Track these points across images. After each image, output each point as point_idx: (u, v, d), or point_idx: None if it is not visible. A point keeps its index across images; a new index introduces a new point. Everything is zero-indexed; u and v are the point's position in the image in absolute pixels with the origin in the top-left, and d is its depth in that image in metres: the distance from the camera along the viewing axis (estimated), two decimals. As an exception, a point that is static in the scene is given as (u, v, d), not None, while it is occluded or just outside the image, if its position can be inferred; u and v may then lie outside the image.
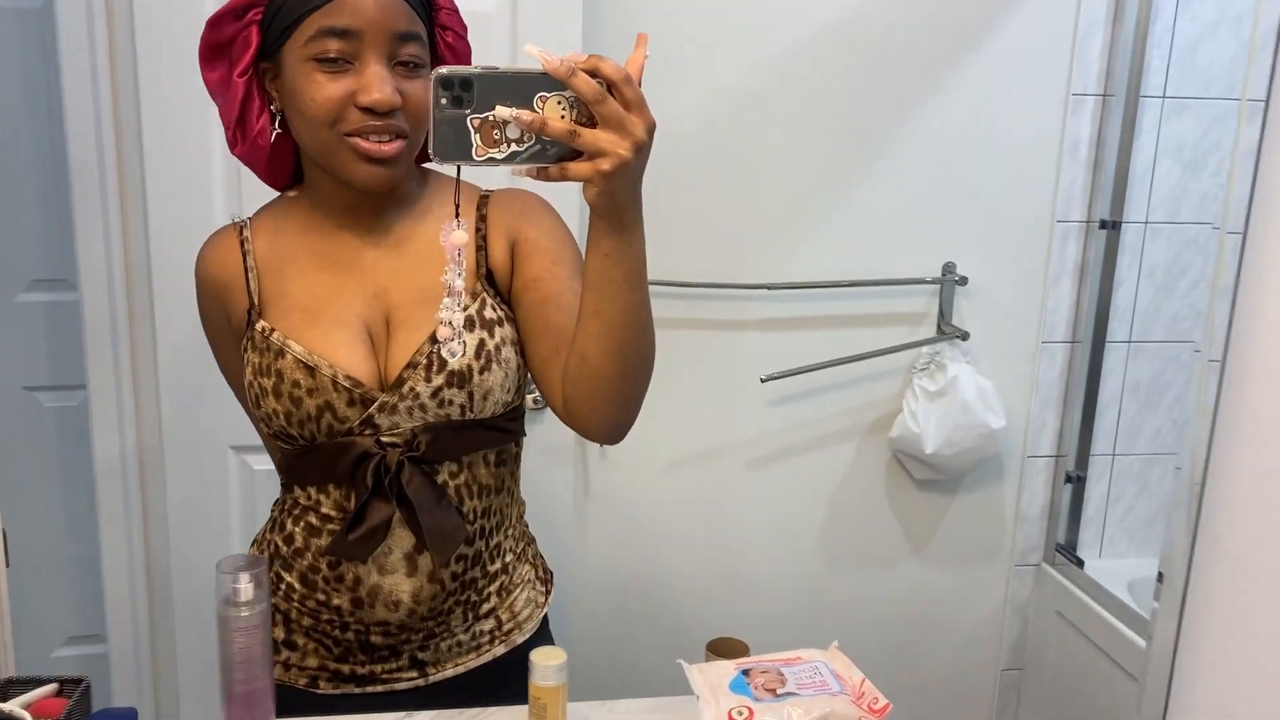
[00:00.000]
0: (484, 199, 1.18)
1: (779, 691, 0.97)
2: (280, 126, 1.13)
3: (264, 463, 1.92)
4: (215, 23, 1.10)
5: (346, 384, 1.10)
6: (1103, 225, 2.19)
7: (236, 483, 1.93)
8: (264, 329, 1.13)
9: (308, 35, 1.04)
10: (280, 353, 1.11)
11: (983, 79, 2.10)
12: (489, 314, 1.13)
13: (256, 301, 1.15)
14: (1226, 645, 0.81)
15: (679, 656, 1.07)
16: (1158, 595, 1.03)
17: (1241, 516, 0.79)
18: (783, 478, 2.21)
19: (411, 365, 1.10)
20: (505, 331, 1.14)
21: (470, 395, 1.12)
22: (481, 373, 1.11)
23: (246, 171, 1.83)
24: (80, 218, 1.88)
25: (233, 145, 1.15)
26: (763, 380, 2.08)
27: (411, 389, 1.10)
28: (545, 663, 1.08)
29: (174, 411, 1.91)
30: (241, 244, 1.17)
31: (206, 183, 1.84)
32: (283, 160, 1.18)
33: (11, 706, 1.03)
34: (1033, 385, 2.26)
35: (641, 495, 2.18)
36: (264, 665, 1.04)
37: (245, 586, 1.01)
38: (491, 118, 0.85)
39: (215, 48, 1.11)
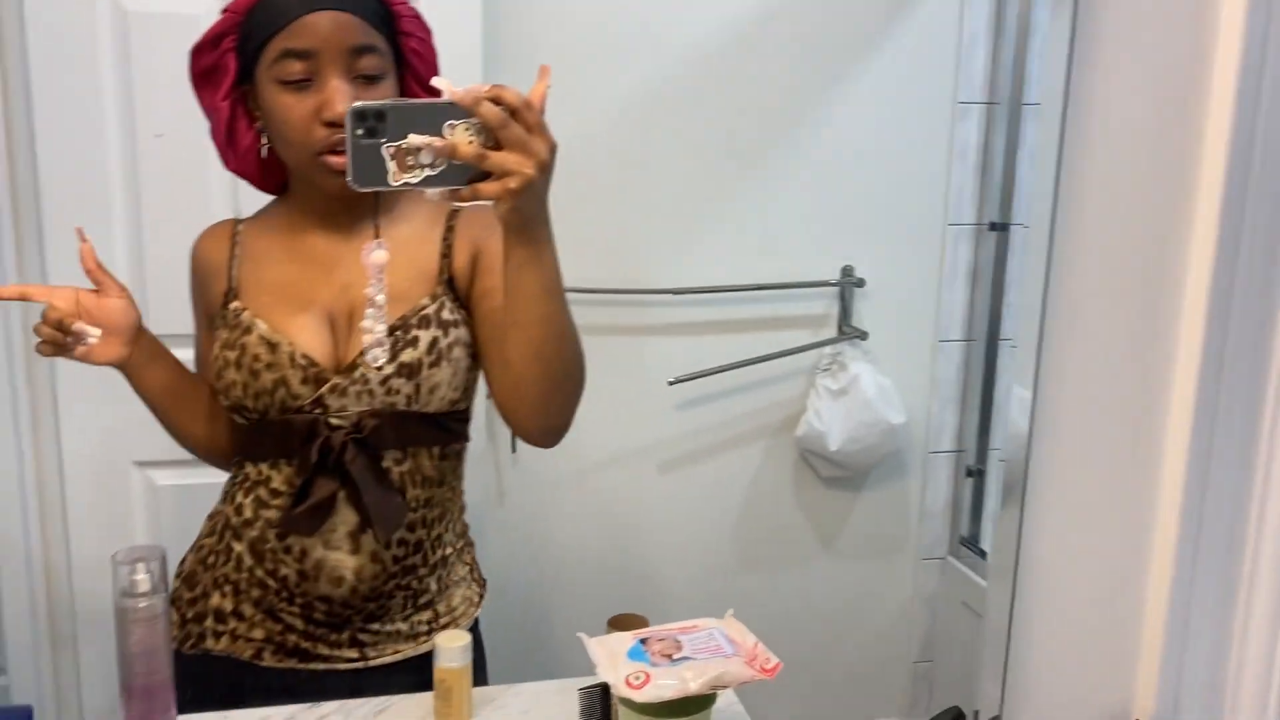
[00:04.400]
0: (454, 211, 1.26)
1: (675, 657, 1.00)
2: (267, 140, 1.21)
3: (168, 478, 1.90)
4: (196, 52, 1.18)
5: (303, 362, 1.18)
6: (993, 227, 2.28)
7: (140, 499, 1.90)
8: (236, 308, 1.22)
9: (271, 58, 1.13)
10: (248, 329, 1.19)
11: (873, 88, 2.18)
12: (446, 315, 1.20)
13: (234, 285, 1.24)
14: (1055, 616, 0.88)
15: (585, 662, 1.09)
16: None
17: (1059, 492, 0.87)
18: (693, 479, 2.25)
19: (365, 352, 1.17)
20: (459, 333, 1.21)
21: (417, 387, 1.18)
22: (431, 367, 1.18)
23: (148, 207, 1.85)
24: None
25: (225, 163, 1.24)
26: (670, 383, 2.12)
27: (363, 374, 1.17)
28: (449, 645, 1.10)
29: (73, 430, 1.87)
30: (233, 234, 1.27)
31: (106, 208, 1.83)
32: (274, 170, 1.25)
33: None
34: (932, 383, 2.33)
35: (554, 500, 2.19)
36: (164, 657, 1.03)
37: (142, 578, 1.01)
38: (405, 145, 0.93)
39: (201, 75, 1.19)
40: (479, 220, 1.24)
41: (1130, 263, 0.83)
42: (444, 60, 1.25)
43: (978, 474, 2.37)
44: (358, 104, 0.93)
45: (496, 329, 1.18)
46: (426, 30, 1.23)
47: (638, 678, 0.97)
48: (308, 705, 1.16)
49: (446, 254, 1.23)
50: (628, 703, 0.99)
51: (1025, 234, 2.25)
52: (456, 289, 1.23)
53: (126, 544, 1.88)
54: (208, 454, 1.35)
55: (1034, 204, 0.88)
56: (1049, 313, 0.85)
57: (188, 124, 1.80)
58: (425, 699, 1.15)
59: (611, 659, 1.00)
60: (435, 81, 0.94)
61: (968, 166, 2.26)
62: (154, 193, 1.85)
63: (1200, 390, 0.83)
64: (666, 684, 0.96)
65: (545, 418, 1.16)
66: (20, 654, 1.98)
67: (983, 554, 2.33)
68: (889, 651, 2.44)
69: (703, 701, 1.01)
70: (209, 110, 1.21)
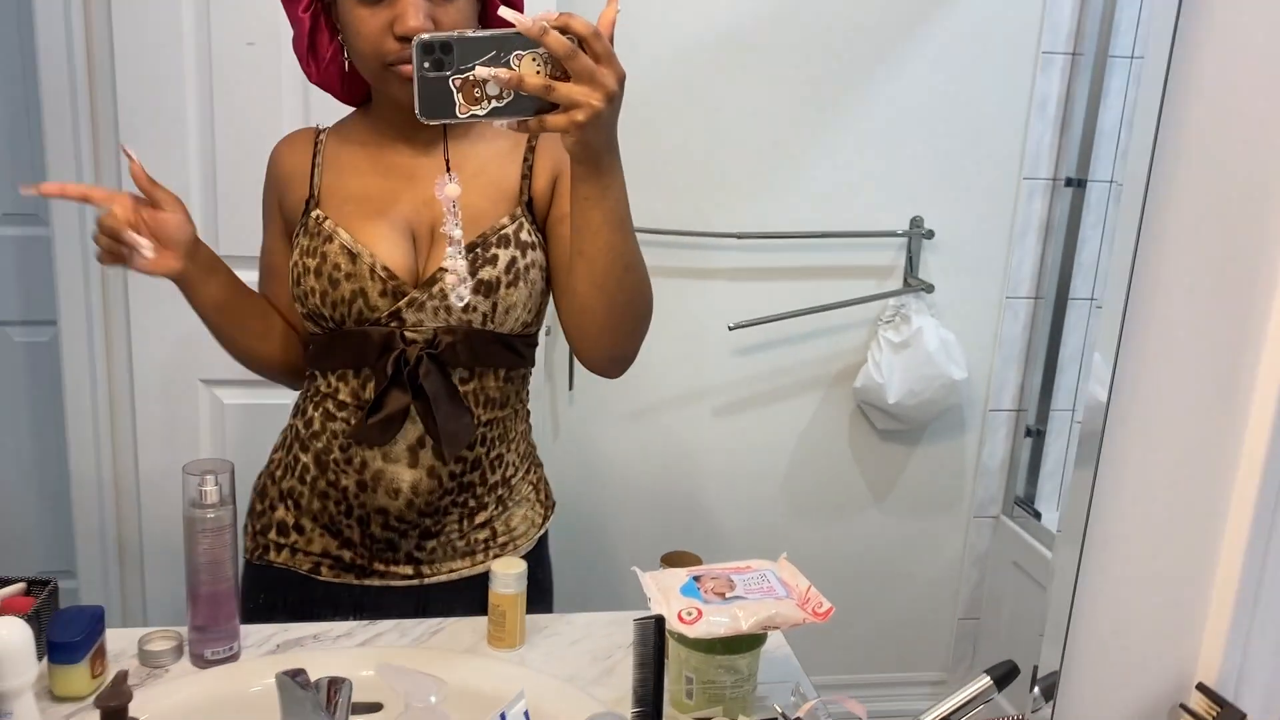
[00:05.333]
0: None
1: (727, 595, 1.00)
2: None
3: (233, 396, 1.94)
4: None
5: (383, 274, 1.18)
6: (1068, 183, 2.22)
7: (206, 416, 1.94)
8: (318, 216, 1.21)
9: None
10: (329, 238, 1.19)
11: (954, 35, 2.12)
12: (525, 237, 1.20)
13: (316, 193, 1.24)
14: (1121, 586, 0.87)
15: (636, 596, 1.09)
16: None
17: (1135, 465, 0.85)
18: (748, 426, 2.24)
19: (449, 291, 1.16)
20: (536, 256, 1.21)
21: (494, 306, 1.18)
22: (509, 287, 1.19)
23: (220, 109, 1.87)
24: (52, 154, 1.88)
25: (308, 74, 1.24)
26: (731, 328, 2.11)
27: (441, 290, 1.17)
28: (504, 571, 1.11)
29: (144, 347, 1.92)
30: (316, 142, 1.27)
31: (180, 122, 1.85)
32: (356, 83, 1.25)
33: (-21, 605, 1.05)
34: (996, 340, 2.30)
35: (608, 438, 2.20)
36: (228, 567, 1.06)
37: (211, 489, 1.04)
38: (472, 77, 0.92)
39: None
40: (560, 143, 1.23)
41: (1228, 230, 0.81)
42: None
43: (1037, 434, 2.34)
44: (424, 36, 0.92)
45: (567, 255, 1.17)
46: None
47: (690, 613, 0.97)
48: (365, 623, 1.19)
49: (527, 175, 1.22)
50: (679, 637, 1.00)
51: (1117, 191, 2.20)
52: (535, 211, 1.22)
53: (192, 459, 1.95)
54: (267, 371, 1.34)
55: (1130, 163, 0.85)
56: (1137, 276, 0.83)
57: (273, 33, 1.84)
58: (479, 622, 1.17)
59: (665, 594, 1.00)
60: (503, 12, 0.93)
61: (1047, 119, 2.20)
62: (227, 104, 1.87)
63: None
64: (719, 621, 0.97)
65: (609, 348, 1.17)
66: (89, 561, 2.05)
67: (1038, 515, 2.31)
68: (935, 607, 2.44)
69: (753, 641, 1.02)
70: (293, 21, 1.21)
